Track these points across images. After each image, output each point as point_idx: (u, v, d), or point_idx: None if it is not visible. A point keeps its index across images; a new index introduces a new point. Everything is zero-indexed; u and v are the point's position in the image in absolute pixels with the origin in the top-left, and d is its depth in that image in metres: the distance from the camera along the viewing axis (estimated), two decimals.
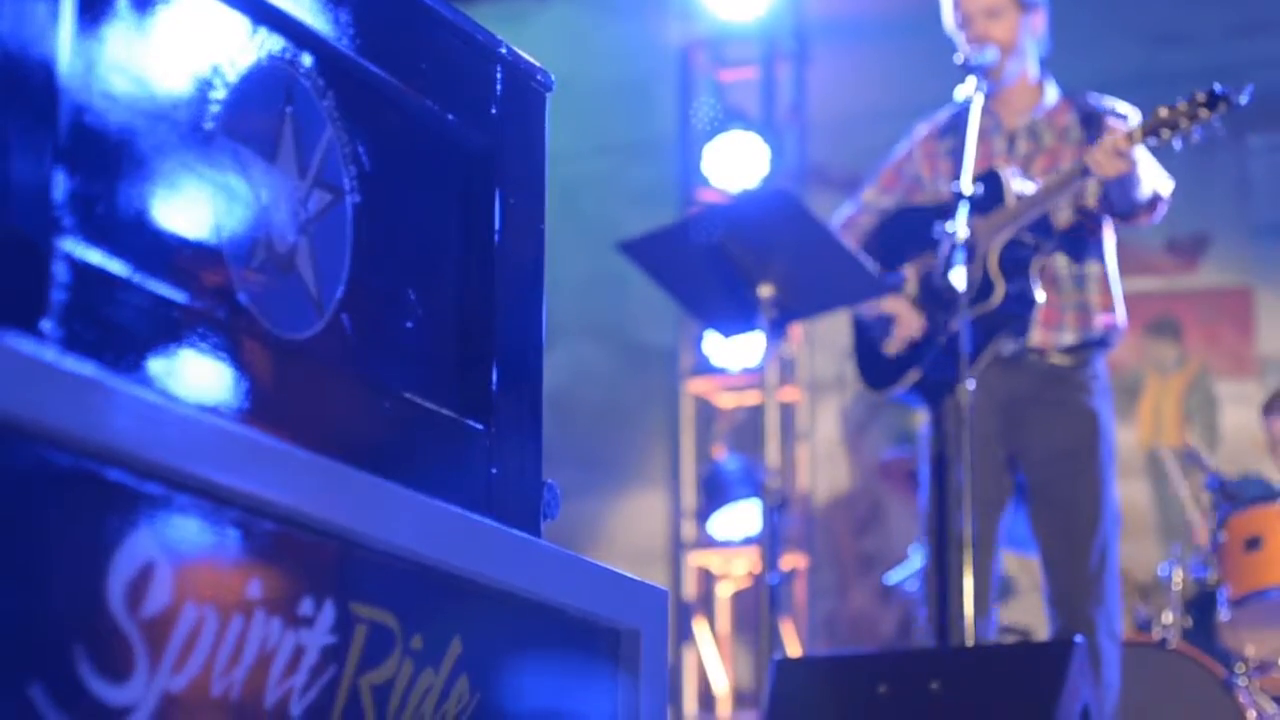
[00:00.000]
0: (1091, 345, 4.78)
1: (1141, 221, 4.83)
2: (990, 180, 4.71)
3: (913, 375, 4.76)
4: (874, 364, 4.87)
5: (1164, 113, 4.53)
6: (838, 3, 8.99)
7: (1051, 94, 4.93)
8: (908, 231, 4.86)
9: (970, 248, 4.51)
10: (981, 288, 4.61)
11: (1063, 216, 4.76)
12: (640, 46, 9.25)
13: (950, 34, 4.89)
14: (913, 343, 4.75)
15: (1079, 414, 4.73)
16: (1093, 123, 4.86)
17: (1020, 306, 4.66)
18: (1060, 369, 4.73)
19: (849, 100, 8.89)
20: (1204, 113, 4.50)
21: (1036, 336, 4.71)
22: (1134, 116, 4.86)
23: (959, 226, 4.38)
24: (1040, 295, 4.69)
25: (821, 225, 4.43)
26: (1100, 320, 4.78)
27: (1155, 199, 4.73)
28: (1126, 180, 4.59)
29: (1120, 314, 4.83)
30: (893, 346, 4.77)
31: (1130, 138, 4.51)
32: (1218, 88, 4.54)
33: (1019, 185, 4.70)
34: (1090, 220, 4.79)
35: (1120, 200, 4.71)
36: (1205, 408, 8.36)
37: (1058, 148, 4.86)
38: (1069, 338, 4.74)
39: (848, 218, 5.01)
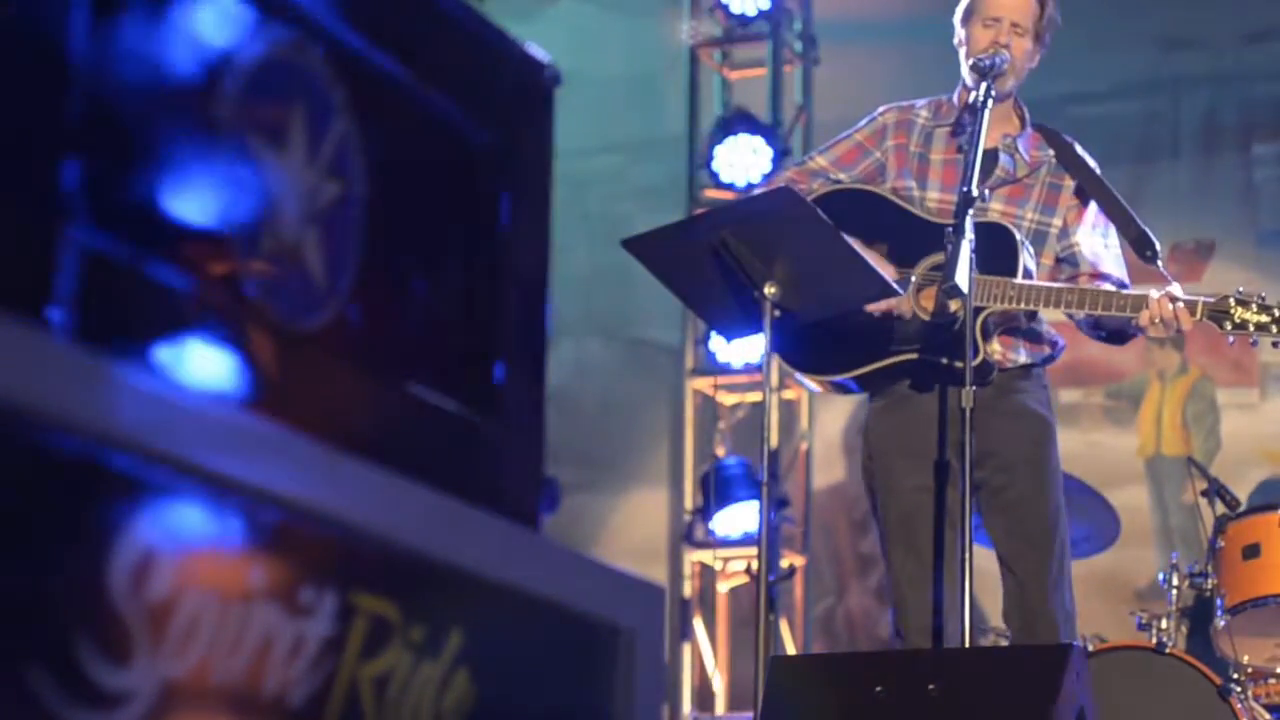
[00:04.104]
0: (1040, 361, 4.83)
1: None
2: (1001, 236, 4.67)
3: (889, 359, 4.73)
4: (830, 345, 4.79)
5: (1235, 309, 4.59)
6: (845, 5, 9.00)
7: (1027, 122, 4.92)
8: (854, 215, 4.78)
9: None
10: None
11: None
12: (648, 44, 9.26)
13: (956, 25, 4.85)
14: (895, 319, 4.71)
15: (1033, 421, 4.76)
16: (1082, 166, 4.84)
17: (983, 368, 4.66)
18: (1013, 380, 4.76)
19: (855, 102, 8.87)
20: (1276, 329, 4.58)
21: (995, 352, 4.72)
22: (1096, 166, 4.87)
23: (968, 229, 4.37)
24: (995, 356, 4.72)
25: (827, 225, 4.42)
26: (1049, 342, 4.83)
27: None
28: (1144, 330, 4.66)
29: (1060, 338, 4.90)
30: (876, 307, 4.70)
31: (1193, 313, 4.55)
32: None
33: (1027, 258, 4.68)
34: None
35: (1112, 329, 4.78)
36: (1206, 415, 8.37)
37: (1029, 182, 4.85)
38: (1023, 357, 4.77)
39: (788, 177, 4.94)
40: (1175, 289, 4.61)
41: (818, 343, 4.75)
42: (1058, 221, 4.81)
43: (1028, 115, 4.91)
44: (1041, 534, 4.70)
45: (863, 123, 4.98)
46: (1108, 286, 4.73)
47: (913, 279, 4.71)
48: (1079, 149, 4.89)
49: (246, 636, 1.42)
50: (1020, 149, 4.85)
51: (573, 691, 1.77)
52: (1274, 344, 4.66)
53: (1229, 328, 4.59)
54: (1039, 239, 4.77)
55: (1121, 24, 8.12)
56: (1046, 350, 4.83)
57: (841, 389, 4.95)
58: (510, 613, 1.70)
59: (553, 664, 1.75)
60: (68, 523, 1.29)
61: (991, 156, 4.81)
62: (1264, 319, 4.59)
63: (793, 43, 8.83)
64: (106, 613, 1.30)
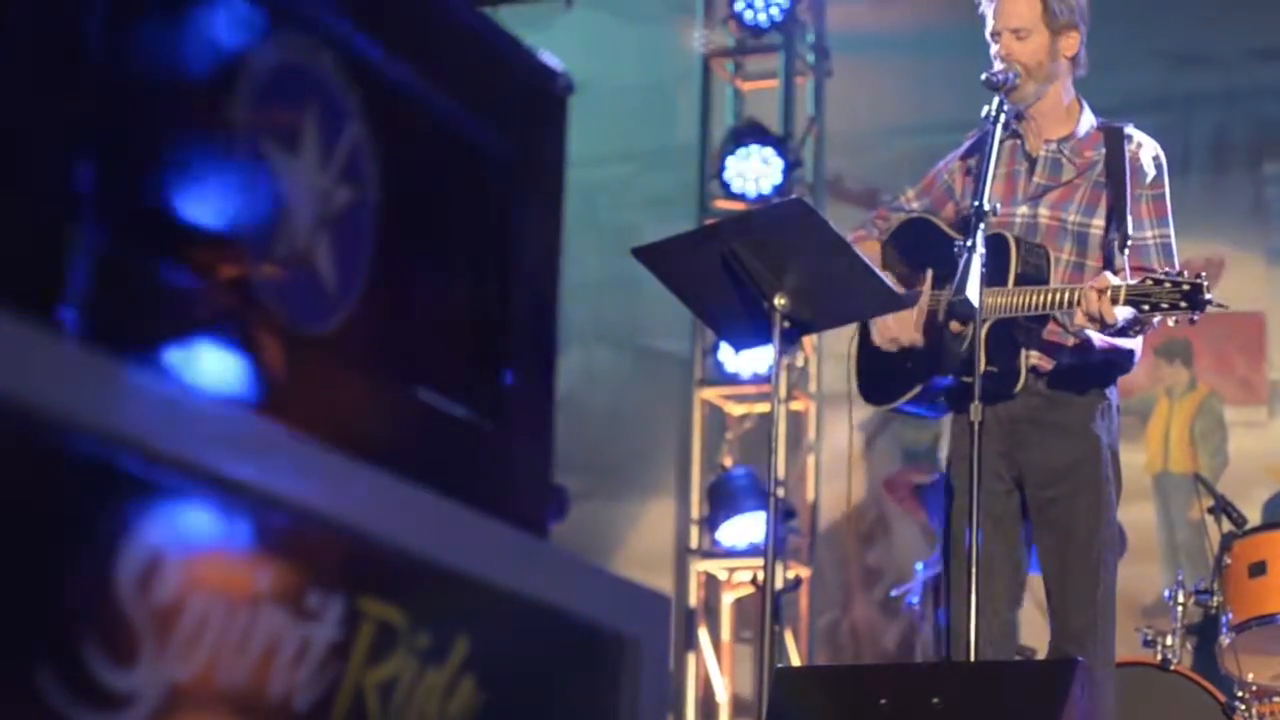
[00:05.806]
0: (1092, 368, 4.73)
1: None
2: (999, 246, 4.62)
3: (918, 388, 4.76)
4: (882, 376, 4.87)
5: (1151, 287, 4.41)
6: (858, 17, 9.01)
7: (1085, 120, 4.86)
8: (917, 243, 4.86)
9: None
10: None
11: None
12: (662, 54, 9.27)
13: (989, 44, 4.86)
14: (905, 348, 4.75)
15: (1078, 435, 4.70)
16: (1118, 167, 4.78)
17: (1003, 380, 4.64)
18: (1064, 393, 4.72)
19: (866, 114, 8.90)
20: (1184, 305, 4.38)
21: (1034, 357, 4.70)
22: (1151, 163, 4.79)
23: (979, 243, 4.37)
24: (1025, 368, 4.67)
25: (837, 237, 4.42)
26: (1101, 347, 4.73)
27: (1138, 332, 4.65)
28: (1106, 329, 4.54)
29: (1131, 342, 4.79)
30: (880, 339, 4.75)
31: (1114, 300, 4.41)
32: (1204, 287, 4.38)
33: (1045, 260, 4.64)
34: None
35: (1125, 326, 4.68)
36: (1213, 432, 8.36)
37: (1076, 184, 4.80)
38: (1067, 359, 4.73)
39: (872, 218, 5.06)
40: (1104, 278, 4.49)
41: (880, 373, 4.83)
42: (1099, 222, 4.76)
43: (1086, 115, 4.86)
44: (1080, 554, 4.65)
45: (952, 151, 5.03)
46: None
47: (923, 295, 4.74)
48: (1131, 145, 4.79)
49: (252, 640, 1.42)
50: (1067, 152, 4.82)
51: (577, 700, 1.77)
52: (1174, 322, 4.44)
53: (1147, 310, 4.40)
54: (1081, 241, 4.73)
55: (1132, 40, 8.11)
56: (1098, 355, 4.70)
57: (915, 416, 5.05)
58: (516, 620, 1.70)
59: (558, 672, 1.75)
60: (76, 523, 1.29)
61: (1033, 163, 4.81)
62: (1174, 296, 4.39)
63: (805, 54, 8.84)
64: (113, 614, 1.30)
